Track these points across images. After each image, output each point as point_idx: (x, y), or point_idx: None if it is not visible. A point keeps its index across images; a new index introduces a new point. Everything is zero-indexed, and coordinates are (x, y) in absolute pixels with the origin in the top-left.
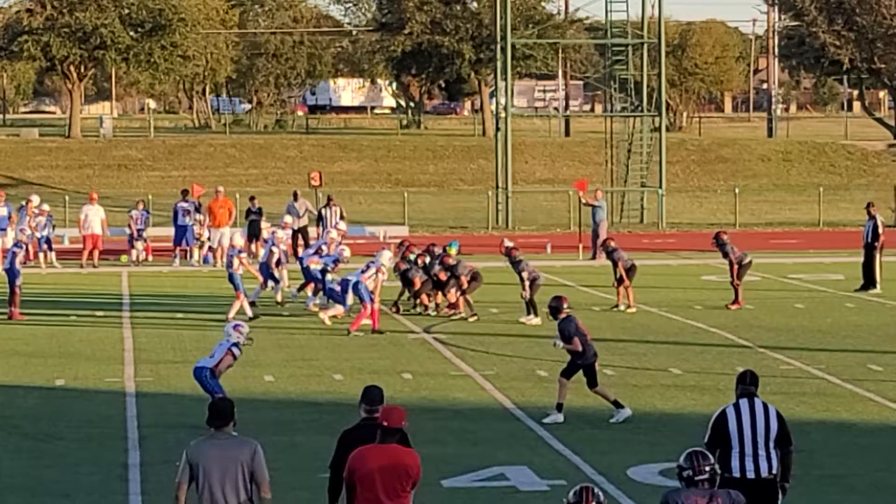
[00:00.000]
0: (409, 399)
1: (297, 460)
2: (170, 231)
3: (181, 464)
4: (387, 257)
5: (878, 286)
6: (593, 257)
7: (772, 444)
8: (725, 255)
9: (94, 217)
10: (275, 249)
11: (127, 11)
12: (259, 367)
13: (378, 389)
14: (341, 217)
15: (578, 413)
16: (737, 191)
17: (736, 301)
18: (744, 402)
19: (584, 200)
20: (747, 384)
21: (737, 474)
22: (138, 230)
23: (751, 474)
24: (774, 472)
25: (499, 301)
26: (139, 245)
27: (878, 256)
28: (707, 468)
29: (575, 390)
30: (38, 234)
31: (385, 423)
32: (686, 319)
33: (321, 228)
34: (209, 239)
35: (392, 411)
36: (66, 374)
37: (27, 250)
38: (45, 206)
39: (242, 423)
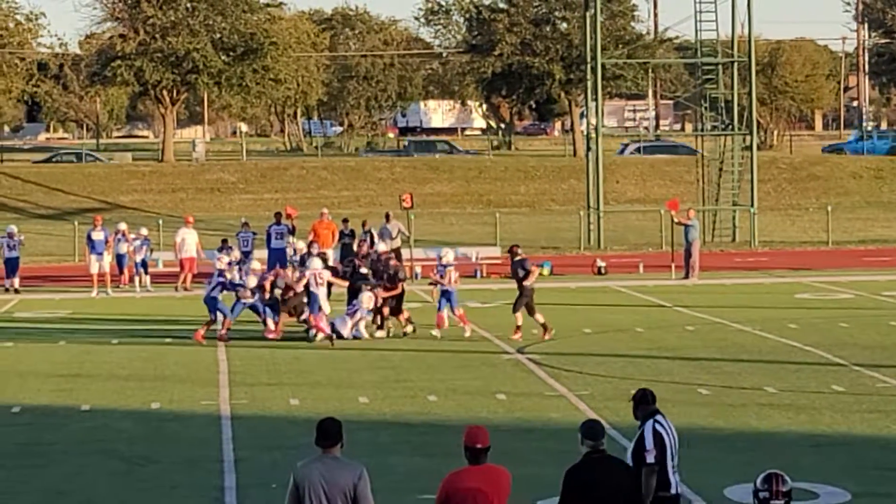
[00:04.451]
0: (504, 420)
1: (392, 482)
2: (263, 254)
3: (289, 486)
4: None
5: None
6: (686, 276)
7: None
8: (524, 271)
9: (191, 240)
10: None
11: (219, 36)
12: (353, 388)
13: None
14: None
15: None
16: (829, 208)
17: (517, 329)
18: (661, 417)
19: (676, 220)
20: (650, 403)
21: (674, 491)
22: (244, 252)
23: (677, 489)
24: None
25: (592, 322)
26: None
27: None
28: (784, 490)
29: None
30: (135, 258)
31: (478, 445)
32: (780, 338)
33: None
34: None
35: (479, 432)
36: (161, 397)
37: (130, 276)
38: (143, 230)
39: None
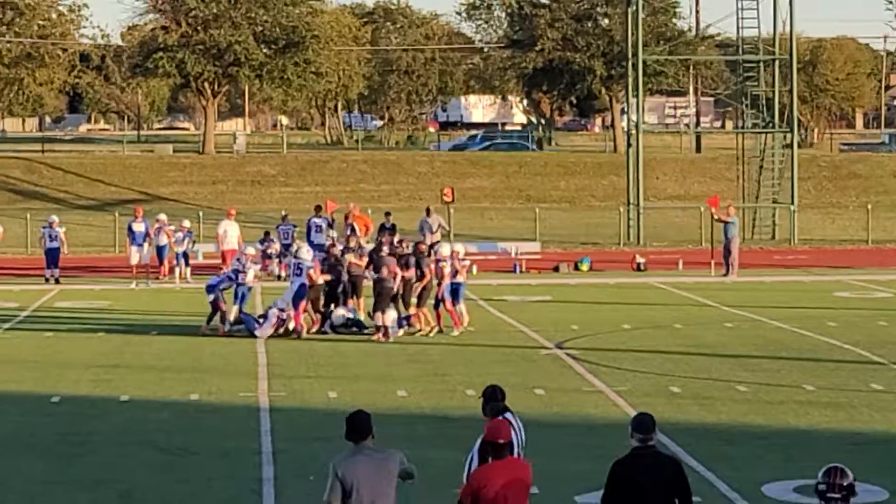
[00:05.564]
0: (542, 415)
1: (429, 476)
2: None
3: (329, 481)
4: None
5: None
6: (725, 274)
7: None
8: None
9: (233, 233)
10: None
11: (261, 29)
12: (392, 382)
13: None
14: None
15: (712, 429)
16: (869, 207)
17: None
18: (510, 415)
19: (716, 217)
20: (500, 400)
21: None
22: (285, 245)
23: None
24: None
25: (630, 318)
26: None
27: None
28: (843, 484)
29: (707, 406)
30: (177, 250)
31: (501, 440)
32: (819, 336)
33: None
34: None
35: (501, 426)
36: (199, 389)
37: (170, 267)
38: (186, 223)
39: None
